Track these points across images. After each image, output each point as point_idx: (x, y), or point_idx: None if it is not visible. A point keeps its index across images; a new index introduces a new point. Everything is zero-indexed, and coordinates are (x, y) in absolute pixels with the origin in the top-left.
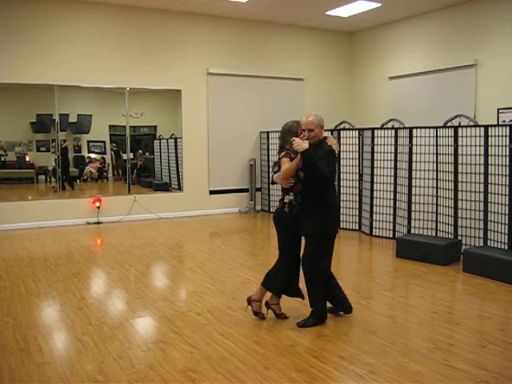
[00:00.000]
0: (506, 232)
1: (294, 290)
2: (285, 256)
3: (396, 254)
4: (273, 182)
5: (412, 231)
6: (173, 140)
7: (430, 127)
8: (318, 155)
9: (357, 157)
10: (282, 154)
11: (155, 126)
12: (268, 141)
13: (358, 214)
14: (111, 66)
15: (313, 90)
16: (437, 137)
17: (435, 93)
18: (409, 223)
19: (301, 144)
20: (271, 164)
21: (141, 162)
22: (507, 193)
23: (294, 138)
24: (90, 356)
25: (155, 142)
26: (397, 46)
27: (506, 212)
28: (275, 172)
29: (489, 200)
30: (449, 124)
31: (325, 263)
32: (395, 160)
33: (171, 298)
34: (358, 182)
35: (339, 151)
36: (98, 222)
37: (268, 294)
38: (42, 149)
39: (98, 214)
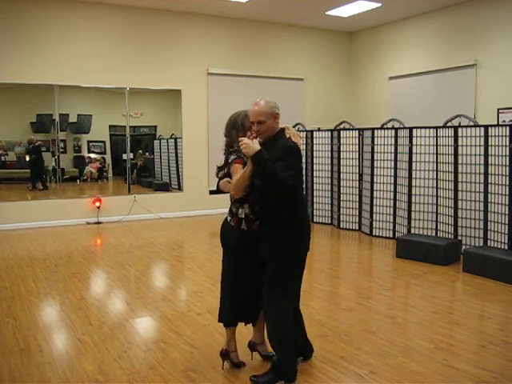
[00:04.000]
0: (506, 232)
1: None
2: (240, 287)
3: (396, 254)
4: (219, 190)
5: (412, 231)
6: (173, 140)
7: (430, 127)
8: (273, 156)
9: (357, 157)
10: (233, 157)
11: (155, 126)
12: None
13: (358, 214)
14: (111, 66)
15: (313, 90)
16: (437, 137)
17: (435, 93)
18: (409, 223)
19: (250, 146)
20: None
21: (141, 162)
22: (507, 193)
23: (242, 138)
24: (89, 356)
25: (155, 141)
26: (397, 46)
27: (506, 212)
28: (221, 177)
29: (489, 200)
30: (449, 124)
31: (289, 294)
32: (395, 160)
33: (171, 298)
34: (358, 182)
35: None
36: (98, 222)
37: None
38: (42, 149)
39: (98, 214)
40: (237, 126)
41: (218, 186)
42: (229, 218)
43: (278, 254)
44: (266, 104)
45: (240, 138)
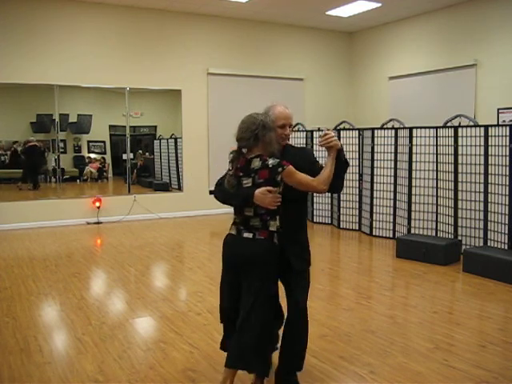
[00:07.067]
0: (506, 232)
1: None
2: (267, 309)
3: (396, 254)
4: (248, 203)
5: (412, 231)
6: (173, 140)
7: (430, 127)
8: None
9: (357, 157)
10: (276, 161)
11: (155, 126)
12: None
13: (358, 214)
14: (111, 66)
15: (313, 90)
16: (437, 137)
17: (435, 93)
18: (409, 223)
19: (337, 139)
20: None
21: (141, 162)
22: (507, 193)
23: (328, 132)
24: (89, 356)
25: (155, 141)
26: (397, 46)
27: (506, 212)
28: (257, 185)
29: (489, 200)
30: (449, 124)
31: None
32: (395, 160)
33: (171, 298)
34: (357, 182)
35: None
36: (98, 222)
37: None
38: (38, 149)
39: (98, 214)
40: (270, 128)
41: (242, 197)
42: (251, 234)
43: (307, 265)
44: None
45: (325, 132)
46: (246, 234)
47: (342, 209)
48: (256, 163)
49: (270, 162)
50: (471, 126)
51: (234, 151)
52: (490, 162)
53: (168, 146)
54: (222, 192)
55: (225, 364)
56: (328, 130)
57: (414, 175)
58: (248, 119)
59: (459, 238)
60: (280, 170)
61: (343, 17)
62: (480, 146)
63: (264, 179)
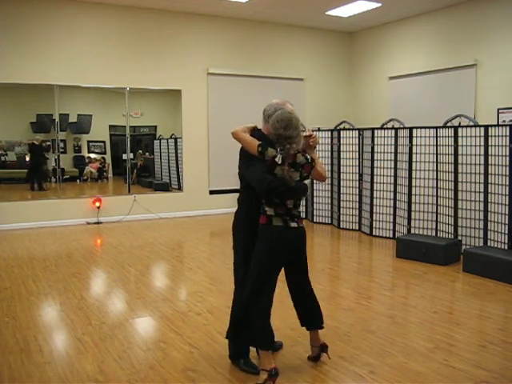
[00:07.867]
0: (506, 232)
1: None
2: None
3: (396, 254)
4: (303, 195)
5: (412, 231)
6: (173, 140)
7: (429, 127)
8: None
9: (357, 157)
10: (309, 157)
11: (155, 126)
12: None
13: (358, 214)
14: (111, 66)
15: (313, 90)
16: (437, 137)
17: (435, 93)
18: (409, 223)
19: None
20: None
21: (141, 162)
22: (507, 193)
23: (314, 133)
24: (89, 356)
25: (155, 142)
26: (397, 46)
27: (506, 212)
28: (303, 178)
29: (489, 200)
30: (449, 124)
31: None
32: (395, 160)
33: (171, 298)
34: (357, 182)
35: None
36: (98, 222)
37: None
38: (42, 149)
39: (98, 214)
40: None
41: (303, 189)
42: (296, 224)
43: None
44: None
45: (314, 133)
46: (292, 224)
47: (342, 209)
48: (300, 158)
49: (308, 157)
50: (471, 126)
51: (286, 148)
52: (490, 162)
53: (168, 146)
54: (278, 187)
55: (312, 328)
56: (310, 130)
57: (414, 175)
58: (292, 117)
59: (459, 238)
60: (314, 164)
61: (343, 17)
62: (480, 146)
63: (308, 173)
